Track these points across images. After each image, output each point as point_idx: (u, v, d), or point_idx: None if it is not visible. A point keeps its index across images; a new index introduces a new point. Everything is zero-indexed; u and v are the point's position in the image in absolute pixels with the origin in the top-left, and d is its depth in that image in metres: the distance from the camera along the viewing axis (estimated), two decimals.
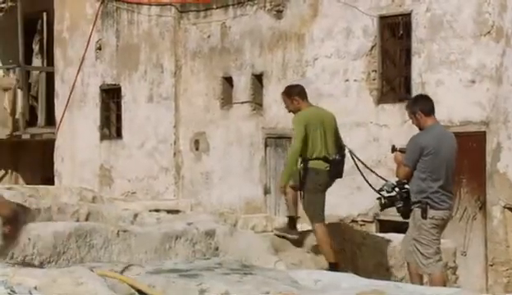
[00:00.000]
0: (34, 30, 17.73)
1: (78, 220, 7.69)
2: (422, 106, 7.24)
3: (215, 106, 14.02)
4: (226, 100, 13.89)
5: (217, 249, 7.34)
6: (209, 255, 7.14)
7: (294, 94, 7.93)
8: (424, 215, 7.02)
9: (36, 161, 17.86)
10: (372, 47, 11.96)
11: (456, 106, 11.01)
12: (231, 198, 13.50)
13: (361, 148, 10.47)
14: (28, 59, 17.62)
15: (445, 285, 7.11)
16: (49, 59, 17.45)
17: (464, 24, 11.05)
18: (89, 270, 4.69)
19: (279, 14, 13.10)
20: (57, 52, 16.75)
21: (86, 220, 7.87)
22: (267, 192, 13.26)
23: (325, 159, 7.68)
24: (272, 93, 13.07)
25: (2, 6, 17.41)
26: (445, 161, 7.15)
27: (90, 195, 9.09)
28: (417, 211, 7.04)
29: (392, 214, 7.76)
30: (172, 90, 14.71)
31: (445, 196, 7.11)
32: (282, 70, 13.06)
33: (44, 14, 17.31)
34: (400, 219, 7.37)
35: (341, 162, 7.80)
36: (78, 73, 16.28)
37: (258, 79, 13.42)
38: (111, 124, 15.96)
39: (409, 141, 7.24)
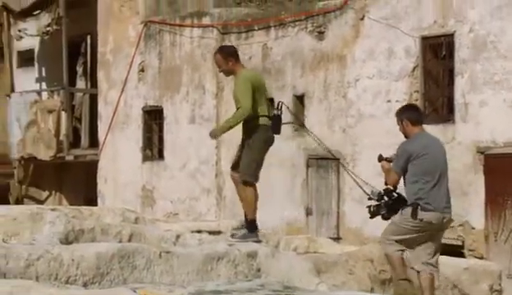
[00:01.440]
0: (78, 53, 17.93)
1: (121, 241, 7.73)
2: (408, 115, 7.48)
3: None
4: None
5: (258, 270, 7.32)
6: (251, 276, 7.13)
7: (230, 55, 7.94)
8: (414, 216, 7.22)
9: (79, 183, 18.01)
10: (415, 67, 11.90)
11: (500, 126, 10.89)
12: (273, 219, 13.47)
13: None
14: (72, 81, 17.81)
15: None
16: (93, 81, 17.63)
17: (508, 44, 10.96)
18: (131, 291, 4.70)
19: (321, 35, 13.10)
20: (101, 74, 16.92)
21: (129, 240, 7.90)
22: (308, 213, 13.22)
23: (268, 116, 7.83)
24: (314, 114, 13.05)
25: (48, 29, 17.64)
26: (435, 165, 7.34)
27: (133, 216, 9.13)
28: (407, 209, 7.23)
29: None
30: (214, 111, 14.76)
31: (438, 198, 7.24)
32: (324, 91, 13.04)
33: (88, 37, 17.51)
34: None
35: (280, 118, 7.95)
36: (121, 95, 16.41)
37: (300, 100, 13.42)
38: (153, 145, 16.05)
39: (397, 149, 7.42)
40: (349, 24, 12.75)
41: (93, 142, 17.35)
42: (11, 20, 18.98)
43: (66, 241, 7.58)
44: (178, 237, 8.32)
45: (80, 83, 18.15)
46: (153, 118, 15.98)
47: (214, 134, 8.12)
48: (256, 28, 14.04)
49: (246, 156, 7.84)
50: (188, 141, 15.15)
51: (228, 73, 7.99)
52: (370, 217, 7.64)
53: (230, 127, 7.77)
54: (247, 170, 7.84)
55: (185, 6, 15.83)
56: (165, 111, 15.59)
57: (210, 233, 8.91)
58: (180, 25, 15.27)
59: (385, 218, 7.49)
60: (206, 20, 14.91)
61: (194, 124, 15.06)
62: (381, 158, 7.56)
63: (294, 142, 13.43)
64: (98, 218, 8.77)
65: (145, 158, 15.98)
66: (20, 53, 19.43)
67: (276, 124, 7.93)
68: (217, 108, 14.70)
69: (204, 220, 13.44)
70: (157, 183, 15.72)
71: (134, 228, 8.17)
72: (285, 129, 13.84)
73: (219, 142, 14.62)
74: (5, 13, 19.01)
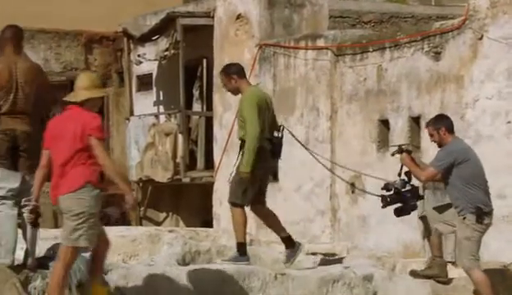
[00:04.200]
0: (195, 76, 18.23)
1: None
2: (446, 123, 7.94)
3: (371, 149, 13.91)
4: (383, 143, 13.76)
5: (375, 294, 7.25)
6: None
7: (232, 73, 7.77)
8: (480, 221, 7.52)
9: (195, 204, 18.24)
10: None
11: None
12: (389, 242, 13.29)
13: None
14: (189, 104, 18.11)
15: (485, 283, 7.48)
16: (208, 104, 17.87)
17: None
18: None
19: (437, 55, 12.92)
20: (216, 98, 17.13)
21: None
22: (425, 236, 12.99)
23: (269, 140, 7.62)
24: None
25: (166, 54, 18.02)
26: (480, 168, 7.79)
27: (248, 238, 9.18)
28: (470, 216, 7.51)
29: None
30: (328, 133, 14.72)
31: (489, 200, 7.69)
32: (440, 112, 12.82)
33: (204, 60, 17.79)
34: None
35: (281, 142, 7.86)
36: (236, 117, 16.57)
37: (416, 121, 13.25)
38: None
39: (439, 151, 7.75)
40: (467, 44, 12.53)
41: (209, 165, 17.57)
42: (131, 46, 19.49)
43: (183, 262, 7.69)
44: None
45: (196, 107, 18.43)
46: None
47: (243, 173, 7.85)
48: (371, 49, 13.95)
49: (235, 178, 7.71)
50: (302, 163, 15.15)
51: (234, 91, 7.87)
52: (382, 207, 8.00)
53: (252, 156, 7.61)
54: (235, 190, 7.71)
55: (300, 29, 15.90)
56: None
57: (325, 255, 8.88)
58: (295, 48, 15.33)
59: (402, 210, 7.77)
60: (320, 42, 14.91)
61: (309, 147, 15.04)
62: (401, 150, 7.81)
63: None
64: (213, 239, 8.87)
65: None
66: (138, 77, 19.89)
67: (276, 148, 7.77)
68: (332, 130, 14.66)
69: (319, 242, 13.40)
70: (271, 204, 15.73)
71: (249, 250, 8.21)
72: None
73: (333, 165, 14.56)
74: (125, 39, 19.55)
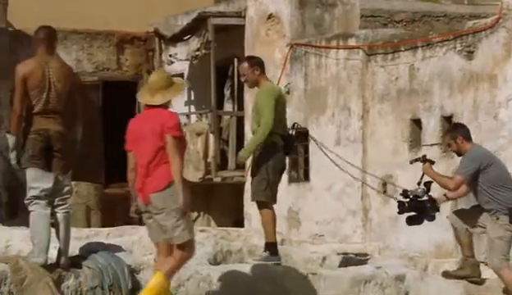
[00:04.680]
0: (226, 76, 18.26)
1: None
2: (463, 132, 7.97)
3: (403, 149, 13.85)
4: (415, 142, 13.70)
5: (407, 294, 7.22)
6: None
7: (257, 64, 7.74)
8: None
9: (227, 204, 18.27)
10: None
11: None
12: (420, 242, 13.23)
13: None
14: (220, 104, 18.14)
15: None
16: (239, 104, 17.89)
17: None
18: None
19: (470, 55, 12.84)
20: (247, 97, 17.14)
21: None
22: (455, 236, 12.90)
23: (281, 136, 7.63)
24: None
25: (197, 53, 18.06)
26: (506, 171, 7.88)
27: (279, 237, 9.18)
28: (503, 217, 7.60)
29: None
30: (360, 133, 14.68)
31: None
32: (473, 111, 12.76)
33: (235, 60, 17.80)
34: None
35: (293, 138, 7.86)
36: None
37: (448, 120, 13.17)
38: (299, 167, 16.10)
39: (463, 158, 7.84)
40: (500, 42, 12.44)
41: (240, 164, 17.58)
42: (163, 46, 19.56)
43: (215, 261, 7.70)
44: (324, 259, 8.30)
45: (228, 106, 18.45)
46: (299, 140, 16.04)
47: (242, 157, 7.96)
48: (403, 48, 13.90)
49: (255, 175, 7.71)
50: (333, 163, 15.12)
51: (252, 83, 7.84)
52: (399, 213, 7.93)
53: (254, 146, 7.63)
54: (257, 188, 7.69)
55: (331, 28, 15.87)
56: (310, 133, 15.62)
57: (356, 255, 8.85)
58: (326, 47, 15.30)
59: (415, 219, 7.88)
60: (352, 42, 14.88)
61: (340, 146, 15.02)
62: (425, 159, 7.86)
63: (443, 164, 13.18)
64: (245, 239, 8.86)
65: (291, 180, 16.04)
66: None
67: (288, 144, 7.78)
68: (363, 130, 14.62)
69: (350, 242, 13.36)
70: (302, 204, 15.76)
71: (280, 249, 8.20)
72: (434, 151, 13.62)
73: (364, 163, 14.52)
74: (157, 39, 19.62)
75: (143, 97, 6.88)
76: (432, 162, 8.05)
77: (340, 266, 8.01)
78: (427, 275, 7.60)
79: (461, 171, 7.82)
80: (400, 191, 8.19)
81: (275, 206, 7.93)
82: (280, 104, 7.76)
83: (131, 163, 6.80)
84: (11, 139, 7.09)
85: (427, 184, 7.97)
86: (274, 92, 7.72)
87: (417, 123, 13.69)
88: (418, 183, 8.00)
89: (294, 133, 8.02)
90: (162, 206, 6.58)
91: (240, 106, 17.78)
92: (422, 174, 8.03)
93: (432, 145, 13.39)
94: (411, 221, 8.02)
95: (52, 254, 7.03)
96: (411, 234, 13.56)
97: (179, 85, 6.97)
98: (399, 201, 7.86)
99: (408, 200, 7.81)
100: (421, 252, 11.77)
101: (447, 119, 13.19)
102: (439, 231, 13.13)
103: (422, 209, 7.84)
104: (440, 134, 13.26)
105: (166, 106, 6.81)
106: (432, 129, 13.39)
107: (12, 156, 7.09)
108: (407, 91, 13.81)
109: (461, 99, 12.95)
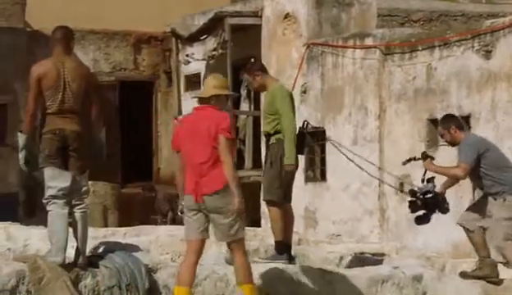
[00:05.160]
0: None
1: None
2: (456, 122, 8.09)
3: (420, 149, 13.79)
4: (432, 142, 13.65)
5: (424, 294, 7.20)
6: None
7: (256, 69, 7.73)
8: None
9: (244, 203, 18.25)
10: None
11: None
12: (438, 242, 13.19)
13: None
14: (236, 104, 18.15)
15: None
16: (256, 103, 17.89)
17: None
18: None
19: (488, 54, 12.78)
20: (263, 97, 17.15)
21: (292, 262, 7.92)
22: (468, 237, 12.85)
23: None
24: (481, 135, 12.71)
25: (213, 53, 18.07)
26: (503, 154, 8.03)
27: (296, 237, 9.16)
28: (510, 197, 7.69)
29: None
30: (376, 132, 14.64)
31: None
32: (491, 111, 12.70)
33: (252, 60, 17.78)
34: None
35: (305, 136, 7.88)
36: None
37: (466, 120, 13.11)
38: (315, 166, 16.09)
39: (460, 147, 7.93)
40: None
41: (257, 164, 17.57)
42: (180, 46, 19.58)
43: (232, 261, 7.69)
44: (341, 259, 8.29)
45: (244, 106, 18.46)
46: (316, 139, 16.03)
47: (290, 164, 7.86)
48: (420, 48, 13.85)
49: (268, 174, 7.69)
50: (350, 162, 15.09)
51: (261, 88, 7.89)
52: (412, 212, 7.99)
53: (294, 147, 7.66)
54: (269, 187, 7.68)
55: (348, 28, 15.84)
56: (327, 132, 15.60)
57: (373, 255, 8.83)
58: (343, 47, 15.27)
59: (422, 218, 7.96)
60: (369, 41, 14.84)
61: (357, 146, 14.99)
62: (426, 156, 8.07)
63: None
64: (261, 239, 8.86)
65: (307, 179, 16.03)
66: (187, 77, 19.98)
67: (299, 143, 7.76)
68: (380, 129, 14.58)
69: (367, 241, 13.33)
70: (319, 204, 15.73)
71: (297, 249, 8.20)
72: (452, 151, 13.56)
73: (381, 162, 14.48)
74: (173, 39, 19.65)
75: (197, 94, 7.08)
76: (433, 158, 8.10)
77: (357, 266, 7.99)
78: (444, 275, 7.57)
79: (464, 158, 7.90)
80: (408, 191, 8.23)
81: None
82: (292, 102, 7.79)
83: (182, 162, 6.86)
84: (21, 138, 7.10)
85: (431, 180, 8.02)
86: (287, 91, 7.76)
87: (434, 122, 13.64)
88: (422, 180, 8.04)
89: (305, 131, 8.01)
90: (221, 206, 6.70)
91: (257, 106, 17.77)
92: (425, 171, 8.08)
93: (449, 145, 13.32)
94: (420, 221, 8.05)
95: (70, 253, 7.05)
96: (428, 234, 13.51)
97: (228, 90, 7.16)
98: (410, 201, 7.91)
99: (421, 197, 7.84)
100: (438, 252, 11.74)
101: (465, 118, 13.13)
102: (456, 231, 13.06)
103: (435, 204, 7.88)
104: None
105: (220, 107, 6.94)
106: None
107: (21, 155, 7.10)
108: (424, 90, 13.77)
109: (479, 99, 12.90)
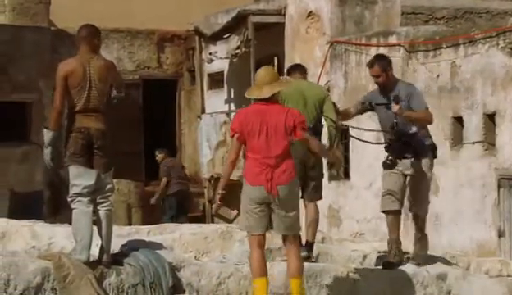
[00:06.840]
0: None
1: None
2: (391, 64, 7.83)
3: (444, 147, 13.74)
4: (456, 140, 13.58)
5: (449, 293, 7.17)
6: None
7: (288, 71, 8.20)
8: (435, 155, 7.95)
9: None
10: None
11: None
12: (462, 241, 13.13)
13: None
14: None
15: None
16: None
17: None
18: None
19: None
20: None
21: (315, 260, 7.93)
22: (501, 235, 12.80)
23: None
24: (506, 133, 12.65)
25: (237, 51, 18.08)
26: None
27: (320, 236, 9.16)
28: (430, 153, 7.80)
29: None
30: None
31: None
32: None
33: (275, 58, 17.79)
34: None
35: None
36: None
37: (491, 118, 13.04)
38: None
39: (414, 91, 7.85)
40: None
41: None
42: (203, 44, 19.62)
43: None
44: (365, 257, 8.27)
45: None
46: (339, 138, 15.97)
47: (339, 166, 8.27)
48: (444, 46, 13.78)
49: (316, 175, 7.87)
50: (374, 160, 15.03)
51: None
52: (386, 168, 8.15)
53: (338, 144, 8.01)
54: (318, 188, 8.06)
55: (372, 26, 15.79)
56: (350, 131, 15.55)
57: None
58: (367, 45, 15.23)
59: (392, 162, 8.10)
60: (392, 39, 14.79)
61: (380, 144, 14.93)
62: (396, 99, 7.64)
63: (485, 162, 13.05)
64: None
65: (331, 178, 16.00)
66: (210, 75, 20.02)
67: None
68: None
69: None
70: (343, 202, 15.71)
71: (321, 247, 8.20)
72: (476, 149, 13.50)
73: None
74: (197, 37, 19.68)
75: (251, 93, 7.07)
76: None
77: (380, 265, 7.97)
78: (469, 274, 7.52)
79: (426, 104, 7.88)
80: (401, 161, 8.09)
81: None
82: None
83: (235, 154, 7.02)
84: (47, 135, 7.13)
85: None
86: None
87: (458, 120, 13.57)
88: (392, 126, 7.90)
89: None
90: (292, 197, 6.92)
91: None
92: (395, 115, 7.83)
93: (473, 143, 13.27)
94: (388, 166, 8.03)
95: (94, 251, 7.09)
96: (452, 233, 13.46)
97: (283, 82, 7.20)
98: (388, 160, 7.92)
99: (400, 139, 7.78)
100: (463, 251, 11.69)
101: (490, 116, 13.06)
102: (481, 229, 13.01)
103: (411, 137, 7.79)
104: (482, 132, 13.14)
105: (276, 101, 7.02)
106: (473, 126, 13.27)
107: (46, 151, 7.13)
108: (448, 88, 13.70)
109: (504, 96, 12.81)
